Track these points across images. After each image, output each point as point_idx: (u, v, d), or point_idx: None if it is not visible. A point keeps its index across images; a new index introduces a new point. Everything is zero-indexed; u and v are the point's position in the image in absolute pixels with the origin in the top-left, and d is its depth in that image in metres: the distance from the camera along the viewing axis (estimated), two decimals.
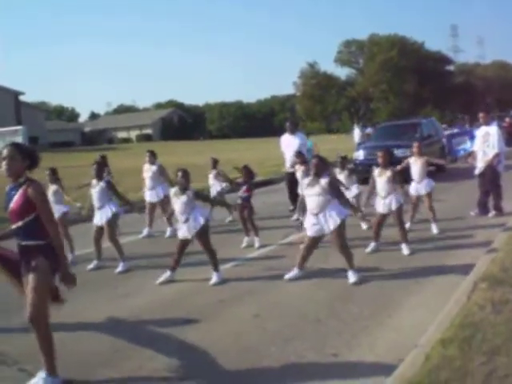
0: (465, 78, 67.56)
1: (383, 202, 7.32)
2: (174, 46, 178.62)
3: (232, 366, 4.21)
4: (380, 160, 7.40)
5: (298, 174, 9.64)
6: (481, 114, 9.98)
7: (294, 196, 10.06)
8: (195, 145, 46.19)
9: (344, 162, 9.16)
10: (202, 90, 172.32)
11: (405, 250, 7.25)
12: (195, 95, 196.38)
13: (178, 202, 6.51)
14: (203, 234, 6.48)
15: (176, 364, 4.32)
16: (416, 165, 8.75)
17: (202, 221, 6.45)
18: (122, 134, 70.21)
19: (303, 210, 6.53)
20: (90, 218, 7.97)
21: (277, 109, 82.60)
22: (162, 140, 61.09)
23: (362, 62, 69.04)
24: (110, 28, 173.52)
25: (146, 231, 9.67)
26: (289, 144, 11.15)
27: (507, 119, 24.76)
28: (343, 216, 6.20)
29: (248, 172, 8.49)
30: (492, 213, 9.47)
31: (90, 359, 4.44)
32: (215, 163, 10.77)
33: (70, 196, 8.47)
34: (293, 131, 11.29)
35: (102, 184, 7.57)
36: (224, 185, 10.43)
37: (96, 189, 7.56)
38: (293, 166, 10.48)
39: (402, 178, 7.70)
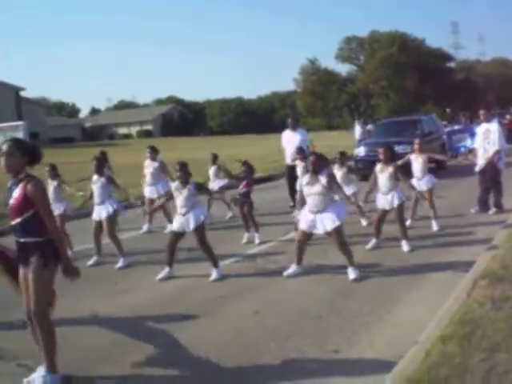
0: (465, 74, 67.49)
1: (385, 198, 7.31)
2: (174, 46, 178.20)
3: (232, 362, 4.20)
4: (381, 156, 7.39)
5: (299, 170, 9.64)
6: (481, 111, 9.97)
7: (294, 192, 10.06)
8: (196, 141, 46.15)
9: (343, 158, 9.14)
10: (202, 86, 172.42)
11: (405, 246, 7.24)
12: (195, 92, 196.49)
13: (179, 196, 6.51)
14: (201, 230, 6.48)
15: (175, 360, 4.32)
16: (417, 162, 8.74)
17: (201, 218, 6.46)
18: (122, 130, 70.17)
19: (302, 204, 6.50)
20: (89, 212, 7.96)
21: (277, 105, 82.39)
22: (163, 136, 61.00)
23: (362, 59, 69.01)
24: (110, 28, 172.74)
25: (145, 227, 9.67)
26: (290, 140, 11.20)
27: (508, 116, 24.74)
28: (342, 218, 6.19)
29: (248, 167, 8.49)
30: (492, 210, 9.46)
31: (89, 355, 4.45)
32: (215, 158, 10.76)
33: (71, 187, 8.49)
34: (294, 127, 11.33)
35: (102, 180, 7.57)
36: (222, 183, 10.45)
37: (97, 184, 7.56)
38: (294, 160, 10.50)
39: (405, 172, 7.68)
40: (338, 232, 6.15)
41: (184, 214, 6.46)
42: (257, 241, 8.18)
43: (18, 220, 3.81)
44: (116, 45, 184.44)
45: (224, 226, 9.80)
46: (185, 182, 6.51)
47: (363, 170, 12.64)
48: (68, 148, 40.40)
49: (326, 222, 6.08)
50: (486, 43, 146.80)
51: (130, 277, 6.86)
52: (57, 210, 7.72)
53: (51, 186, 7.88)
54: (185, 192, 6.48)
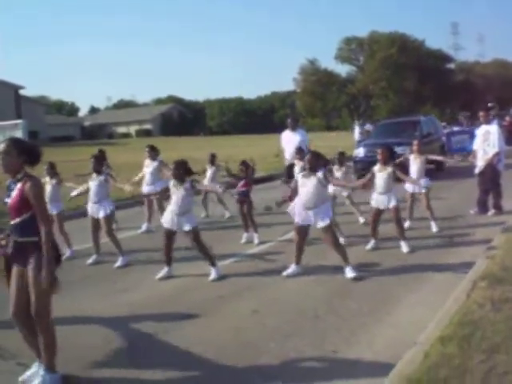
0: (465, 76, 67.47)
1: (380, 198, 7.31)
2: (174, 46, 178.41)
3: (231, 361, 4.20)
4: (379, 157, 7.39)
5: (297, 169, 9.63)
6: (481, 113, 9.96)
7: None
8: (195, 140, 46.11)
9: (342, 158, 9.13)
10: (202, 86, 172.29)
11: (404, 247, 7.24)
12: (195, 91, 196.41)
13: (176, 193, 6.51)
14: (196, 232, 6.51)
15: (174, 359, 4.32)
16: (415, 163, 8.74)
17: (196, 223, 6.56)
18: (121, 129, 70.02)
19: (294, 190, 6.51)
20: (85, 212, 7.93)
21: (277, 105, 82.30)
22: (162, 135, 60.95)
23: (362, 60, 68.96)
24: (110, 28, 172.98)
25: (144, 226, 9.66)
26: (289, 140, 11.20)
27: (507, 118, 24.73)
28: (330, 216, 6.25)
29: (246, 167, 8.49)
30: (491, 211, 9.46)
31: (88, 354, 4.44)
32: (213, 159, 10.73)
33: (70, 182, 8.48)
34: (294, 128, 11.33)
35: (101, 178, 7.55)
36: (218, 186, 10.41)
37: (95, 182, 7.53)
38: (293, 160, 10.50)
39: (404, 170, 7.70)
40: (328, 232, 6.21)
41: (178, 215, 6.46)
42: (256, 241, 8.18)
43: (17, 220, 3.80)
44: (116, 45, 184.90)
45: (223, 226, 9.80)
46: (181, 180, 6.51)
47: (362, 171, 12.63)
48: (67, 147, 40.34)
49: (321, 217, 6.15)
50: (486, 44, 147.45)
51: (129, 276, 6.85)
52: (54, 209, 7.70)
53: (49, 184, 7.84)
54: (181, 191, 6.48)
